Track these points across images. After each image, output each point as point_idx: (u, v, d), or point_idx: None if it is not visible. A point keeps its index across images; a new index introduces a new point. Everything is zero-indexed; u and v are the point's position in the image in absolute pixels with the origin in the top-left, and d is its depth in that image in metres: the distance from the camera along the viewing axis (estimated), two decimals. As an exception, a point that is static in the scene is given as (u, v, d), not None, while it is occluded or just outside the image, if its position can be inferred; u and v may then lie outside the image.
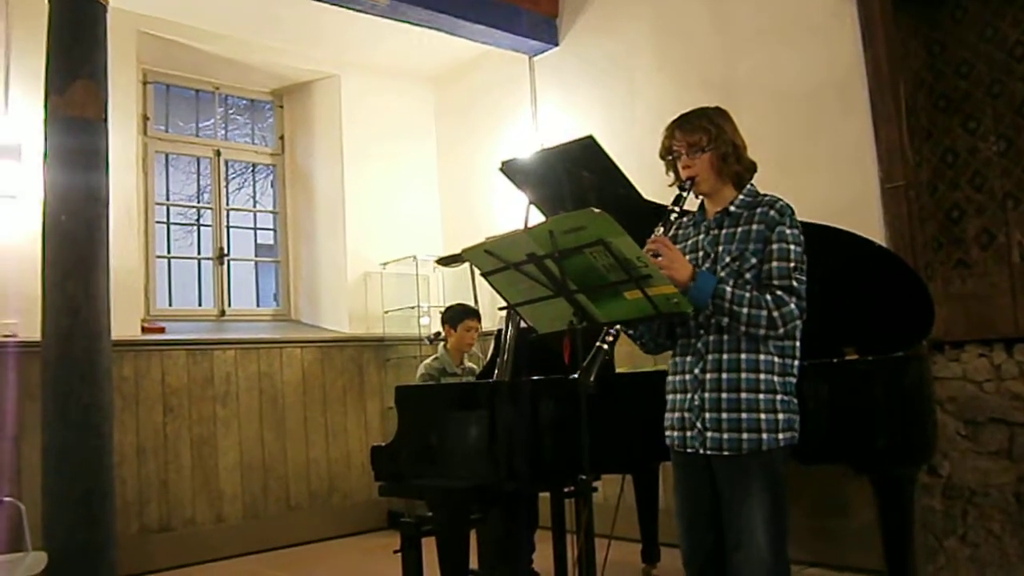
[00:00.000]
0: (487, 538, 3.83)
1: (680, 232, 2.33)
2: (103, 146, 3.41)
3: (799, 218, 2.18)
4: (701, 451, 2.14)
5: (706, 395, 2.13)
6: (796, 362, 2.16)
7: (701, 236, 2.26)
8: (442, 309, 4.54)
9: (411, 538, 3.29)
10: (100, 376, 3.29)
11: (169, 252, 6.23)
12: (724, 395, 2.10)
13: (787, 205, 2.16)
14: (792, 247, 2.11)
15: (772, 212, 2.14)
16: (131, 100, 4.98)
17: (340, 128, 5.91)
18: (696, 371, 2.16)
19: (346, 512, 5.48)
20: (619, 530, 3.21)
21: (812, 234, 2.25)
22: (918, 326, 2.99)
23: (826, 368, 2.82)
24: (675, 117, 2.27)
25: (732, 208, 2.21)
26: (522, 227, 2.13)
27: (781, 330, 2.05)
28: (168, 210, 6.38)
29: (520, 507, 3.23)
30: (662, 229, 2.18)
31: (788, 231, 2.12)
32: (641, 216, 2.27)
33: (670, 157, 2.26)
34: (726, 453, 2.09)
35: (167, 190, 6.44)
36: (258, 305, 6.54)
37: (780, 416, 2.09)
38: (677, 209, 2.23)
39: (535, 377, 2.89)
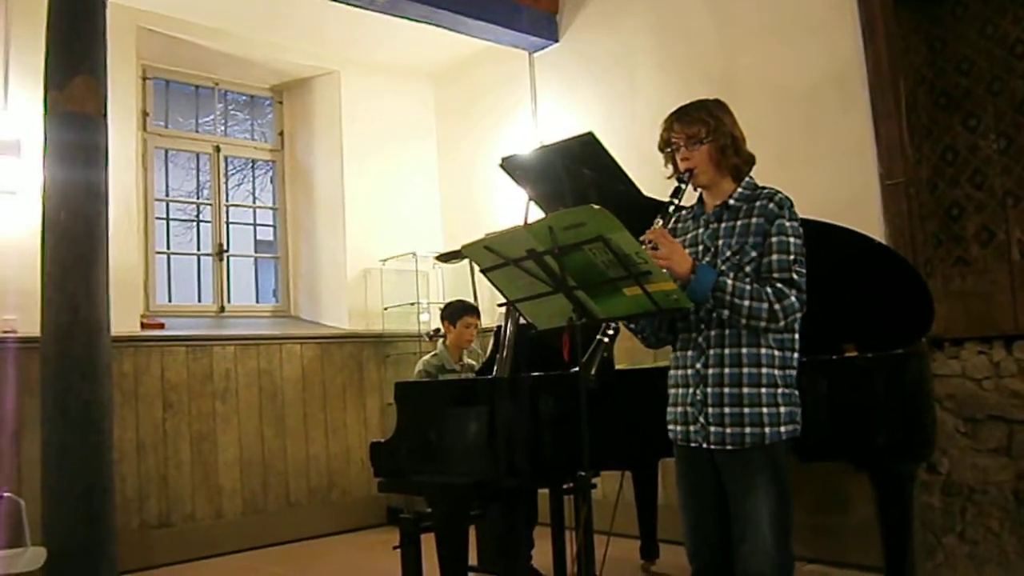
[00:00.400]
0: (486, 534, 3.85)
1: (679, 226, 2.33)
2: (103, 142, 3.40)
3: (799, 215, 2.18)
4: (704, 445, 2.14)
5: (708, 390, 2.13)
6: (796, 355, 2.16)
7: (700, 230, 2.26)
8: (442, 305, 4.55)
9: (410, 534, 3.29)
10: (100, 372, 3.29)
11: (169, 248, 6.23)
12: (726, 390, 2.11)
13: (786, 198, 2.16)
14: (792, 240, 2.11)
15: (771, 205, 2.13)
16: (131, 96, 4.97)
17: (340, 124, 5.91)
18: (698, 365, 2.16)
19: (345, 508, 5.48)
20: (618, 526, 3.22)
21: (812, 231, 2.25)
22: (918, 323, 2.99)
23: (826, 365, 2.82)
24: (674, 109, 2.27)
25: (731, 201, 2.21)
26: (522, 223, 2.13)
27: (782, 323, 2.06)
28: (168, 206, 6.39)
29: (519, 503, 3.23)
30: (661, 222, 2.18)
31: (787, 224, 2.12)
32: (641, 212, 2.27)
33: (669, 149, 2.26)
34: (729, 447, 2.10)
35: (167, 186, 6.44)
36: (257, 301, 6.53)
37: (782, 409, 2.10)
38: (676, 201, 2.23)
39: (534, 373, 2.89)
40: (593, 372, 2.06)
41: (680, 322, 2.24)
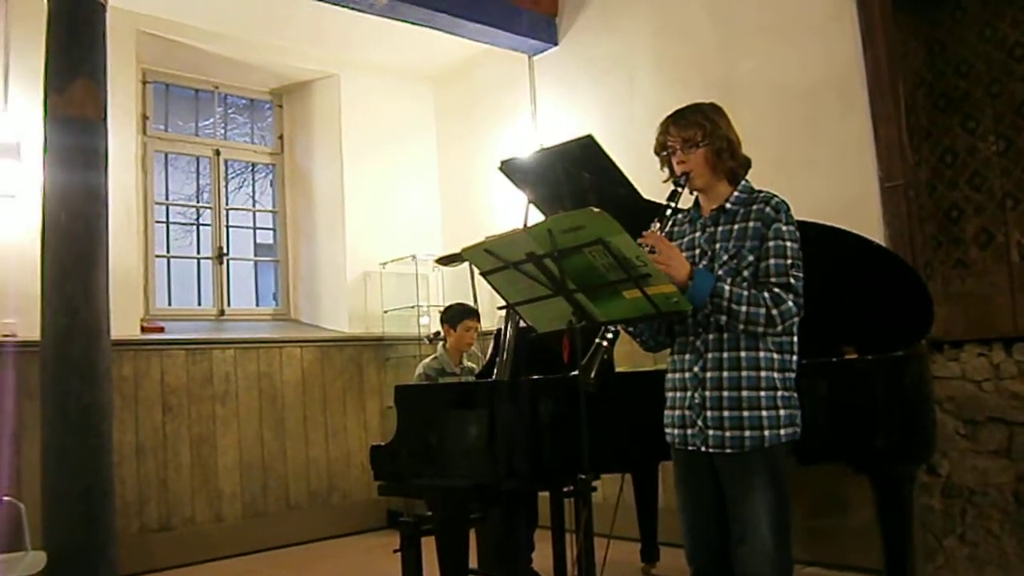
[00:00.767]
0: (486, 537, 3.84)
1: (675, 229, 2.33)
2: (102, 145, 3.40)
3: (799, 217, 2.18)
4: (703, 449, 2.14)
5: (707, 393, 2.13)
6: (795, 357, 2.17)
7: (697, 234, 2.26)
8: (441, 309, 4.54)
9: (410, 537, 3.28)
10: (99, 375, 3.29)
11: (168, 251, 6.22)
12: (725, 393, 2.10)
13: (782, 201, 2.17)
14: (789, 244, 2.11)
15: (768, 209, 2.14)
16: (130, 99, 4.98)
17: (340, 127, 5.91)
18: (696, 369, 2.16)
19: (345, 511, 5.48)
20: (618, 529, 3.21)
21: (812, 233, 2.25)
22: (917, 325, 2.99)
23: (825, 367, 2.82)
24: (670, 112, 2.27)
25: (728, 205, 2.21)
26: (521, 226, 2.13)
27: (780, 327, 2.06)
28: (167, 209, 6.38)
29: (519, 506, 3.22)
30: (658, 225, 2.18)
31: (784, 228, 2.12)
32: (640, 215, 2.27)
33: (664, 153, 2.26)
34: (729, 451, 2.10)
35: (166, 189, 6.43)
36: (257, 305, 6.53)
37: (781, 412, 2.10)
38: (673, 205, 2.23)
39: (534, 376, 2.89)
40: (592, 376, 2.05)
41: (677, 325, 2.24)
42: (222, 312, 5.66)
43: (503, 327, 3.20)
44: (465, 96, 6.12)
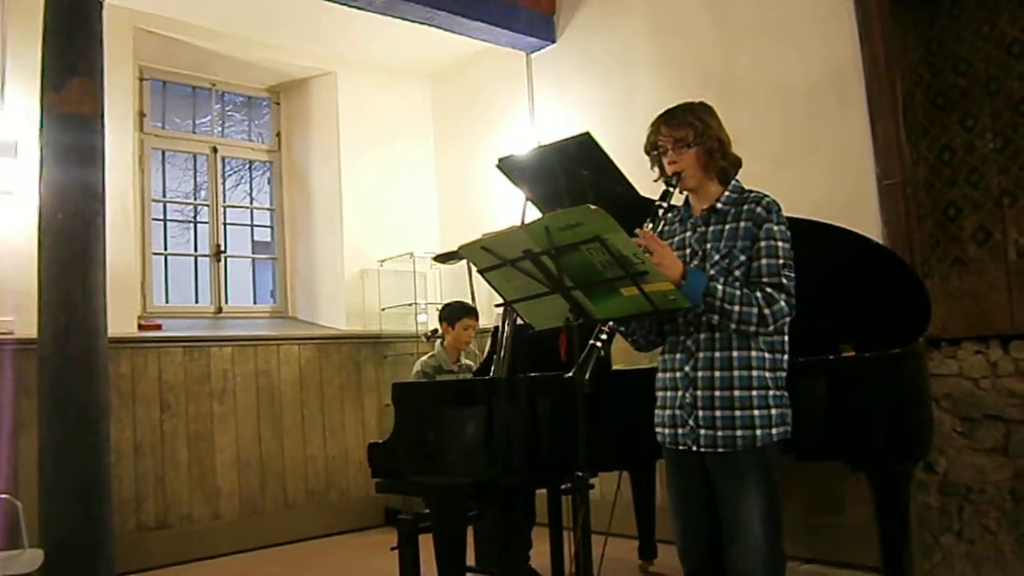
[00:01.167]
0: (484, 535, 3.84)
1: (666, 228, 2.32)
2: (99, 143, 3.40)
3: (796, 214, 2.18)
4: (694, 448, 2.14)
5: (698, 393, 2.13)
6: (785, 356, 2.17)
7: (688, 233, 2.26)
8: (439, 306, 4.54)
9: (408, 535, 3.28)
10: (97, 373, 3.29)
11: (166, 249, 6.22)
12: (717, 393, 2.11)
13: (773, 201, 2.17)
14: (780, 244, 2.11)
15: (759, 209, 2.14)
16: (127, 97, 4.97)
17: (337, 125, 5.91)
18: (687, 368, 2.16)
19: (343, 509, 5.48)
20: (616, 527, 3.21)
21: (809, 231, 2.26)
22: (915, 323, 2.99)
23: (823, 365, 2.83)
24: (660, 112, 2.27)
25: (719, 205, 2.21)
26: (519, 224, 2.13)
27: (772, 327, 2.06)
28: (165, 207, 6.36)
29: (517, 504, 3.23)
30: (650, 225, 2.18)
31: (776, 228, 2.12)
32: (638, 213, 2.27)
33: (655, 152, 2.26)
34: (720, 450, 2.10)
35: (164, 187, 6.41)
36: (255, 302, 6.53)
37: (773, 411, 2.10)
38: (664, 205, 2.23)
39: (532, 374, 2.89)
40: (587, 376, 2.05)
41: (667, 325, 2.24)
42: (220, 310, 5.65)
43: (501, 324, 3.20)
44: (463, 93, 6.11)
